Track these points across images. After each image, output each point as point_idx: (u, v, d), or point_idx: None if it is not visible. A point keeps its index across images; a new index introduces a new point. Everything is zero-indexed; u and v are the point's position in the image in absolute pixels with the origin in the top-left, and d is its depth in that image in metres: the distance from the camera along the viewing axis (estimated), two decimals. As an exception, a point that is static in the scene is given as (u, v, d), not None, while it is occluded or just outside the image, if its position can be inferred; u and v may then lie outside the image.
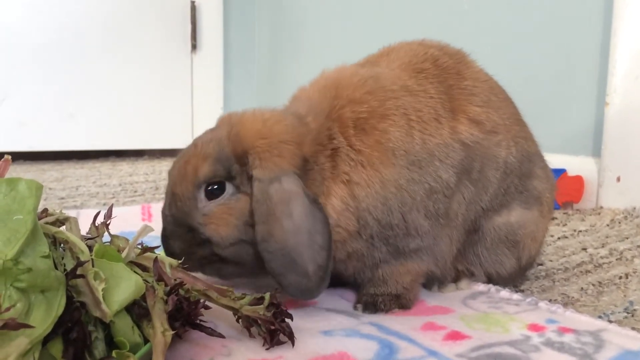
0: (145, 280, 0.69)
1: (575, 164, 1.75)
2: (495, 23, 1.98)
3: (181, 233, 0.84)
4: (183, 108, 2.96)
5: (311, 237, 0.79)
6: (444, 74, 0.93)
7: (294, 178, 0.81)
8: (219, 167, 0.82)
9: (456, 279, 0.99)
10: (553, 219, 1.59)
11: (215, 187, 0.82)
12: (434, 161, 0.87)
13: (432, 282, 0.98)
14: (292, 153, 0.82)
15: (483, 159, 0.92)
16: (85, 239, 0.74)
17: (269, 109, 0.88)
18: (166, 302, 0.68)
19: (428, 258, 0.90)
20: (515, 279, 1.03)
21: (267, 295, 0.75)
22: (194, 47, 2.93)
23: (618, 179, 1.68)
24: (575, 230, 1.46)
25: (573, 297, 1.00)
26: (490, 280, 1.01)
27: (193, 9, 2.90)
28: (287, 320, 0.74)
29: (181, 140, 2.93)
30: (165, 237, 0.86)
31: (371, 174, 0.84)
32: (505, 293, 0.96)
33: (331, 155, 0.85)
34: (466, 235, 0.95)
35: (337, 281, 0.99)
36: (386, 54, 0.99)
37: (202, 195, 0.83)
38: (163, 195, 1.87)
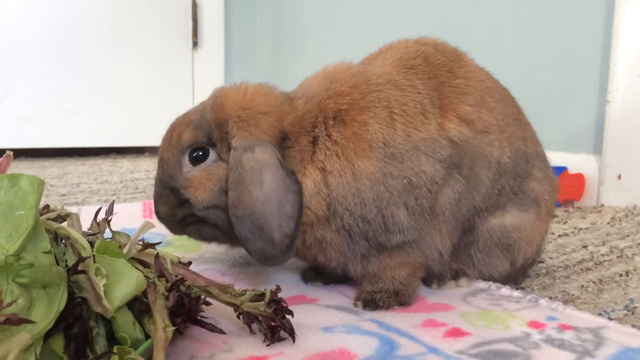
0: (147, 277, 0.69)
1: (576, 162, 1.75)
2: (496, 21, 1.98)
3: (166, 195, 0.89)
4: (184, 105, 2.92)
5: (280, 207, 0.81)
6: (434, 71, 0.93)
7: (270, 148, 0.83)
8: (199, 133, 0.86)
9: (456, 277, 0.99)
10: (553, 216, 1.59)
11: (200, 153, 0.86)
12: (418, 155, 0.86)
13: (432, 279, 0.99)
14: (270, 124, 0.84)
15: (473, 158, 0.91)
16: (86, 235, 0.74)
17: (259, 84, 0.92)
18: (167, 298, 0.68)
19: (415, 252, 0.90)
20: (510, 281, 1.03)
21: (267, 292, 0.75)
22: (195, 44, 2.93)
23: (619, 177, 1.68)
24: (576, 228, 1.46)
25: (573, 295, 1.00)
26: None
27: (194, 6, 2.90)
28: (287, 316, 0.75)
29: (182, 137, 2.96)
30: (154, 200, 0.91)
31: (344, 164, 0.84)
32: (505, 290, 0.96)
33: (312, 142, 0.86)
34: (462, 231, 0.94)
35: (338, 278, 0.99)
36: (383, 52, 1.00)
37: (186, 160, 0.87)
38: (164, 192, 1.87)
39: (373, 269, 0.90)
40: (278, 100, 0.87)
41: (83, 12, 2.72)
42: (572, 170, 1.73)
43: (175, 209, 0.89)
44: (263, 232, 0.81)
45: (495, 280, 1.00)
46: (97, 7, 2.74)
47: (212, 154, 0.86)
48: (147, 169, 2.43)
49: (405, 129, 0.86)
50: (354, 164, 0.84)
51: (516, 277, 1.04)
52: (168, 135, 0.90)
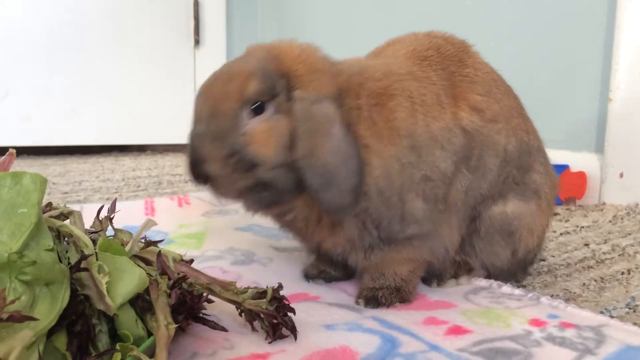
0: (149, 274, 0.69)
1: (578, 160, 1.75)
2: (498, 18, 1.98)
3: (221, 156, 0.80)
4: (186, 103, 2.95)
5: (346, 160, 0.81)
6: (446, 61, 0.95)
7: (333, 103, 0.83)
8: (264, 84, 0.81)
9: (456, 275, 0.99)
10: (555, 214, 1.59)
11: (258, 105, 0.81)
12: (434, 149, 0.88)
13: (431, 278, 0.99)
14: (329, 81, 0.84)
15: (482, 146, 0.93)
16: (89, 232, 0.75)
17: (306, 43, 0.90)
18: (169, 295, 0.68)
19: (423, 247, 0.90)
20: (513, 273, 1.03)
21: (269, 290, 0.75)
22: (197, 42, 2.93)
23: (621, 175, 1.68)
24: (577, 226, 1.46)
25: (575, 293, 1.00)
26: (487, 273, 1.02)
27: (196, 4, 2.90)
28: (289, 314, 0.75)
29: (184, 135, 2.96)
30: (197, 161, 0.81)
31: (380, 146, 0.85)
32: (507, 288, 0.97)
33: (357, 113, 0.86)
34: (469, 222, 0.96)
35: (340, 276, 0.99)
36: (392, 44, 1.01)
37: (246, 113, 0.81)
38: (166, 190, 1.88)
39: (376, 261, 0.90)
40: (328, 61, 0.88)
41: (84, 11, 2.72)
42: (574, 168, 1.73)
43: (234, 173, 0.80)
44: (334, 183, 0.81)
45: (498, 270, 1.00)
46: (98, 5, 2.74)
47: (270, 107, 0.81)
48: (148, 167, 2.44)
49: (424, 118, 0.88)
50: (388, 148, 0.85)
51: (517, 269, 1.04)
52: (224, 87, 0.82)
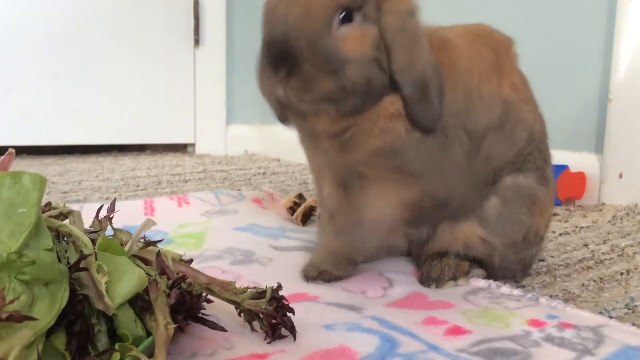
0: (148, 274, 0.69)
1: (577, 160, 1.75)
2: (497, 19, 1.97)
3: (315, 55, 0.79)
4: (185, 103, 2.96)
5: (434, 74, 0.86)
6: (495, 44, 1.01)
7: (420, 18, 0.87)
8: None
9: (454, 277, 0.99)
10: (555, 214, 1.60)
11: (347, 13, 0.82)
12: (480, 107, 0.94)
13: (429, 279, 0.99)
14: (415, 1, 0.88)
15: (516, 119, 0.99)
16: (88, 232, 0.75)
17: None
18: (169, 295, 0.69)
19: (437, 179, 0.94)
20: (513, 268, 1.03)
21: (268, 290, 0.75)
22: (196, 42, 2.93)
23: (620, 176, 1.68)
24: (577, 227, 1.46)
25: (574, 293, 1.00)
26: (486, 273, 1.03)
27: (196, 4, 2.90)
28: (288, 314, 0.75)
29: (183, 135, 2.97)
30: (284, 57, 0.80)
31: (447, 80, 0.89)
32: (506, 289, 0.97)
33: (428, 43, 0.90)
34: (484, 184, 0.98)
35: (339, 275, 1.00)
36: (442, 27, 1.04)
37: (335, 20, 0.81)
38: (165, 190, 1.88)
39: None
40: None
41: (84, 10, 2.72)
42: (574, 168, 1.73)
43: (320, 74, 0.80)
44: (428, 95, 0.85)
45: (509, 248, 1.01)
46: (98, 4, 2.74)
47: (358, 16, 0.83)
48: (148, 167, 2.44)
49: (478, 77, 0.94)
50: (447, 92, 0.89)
51: (519, 263, 1.04)
52: None
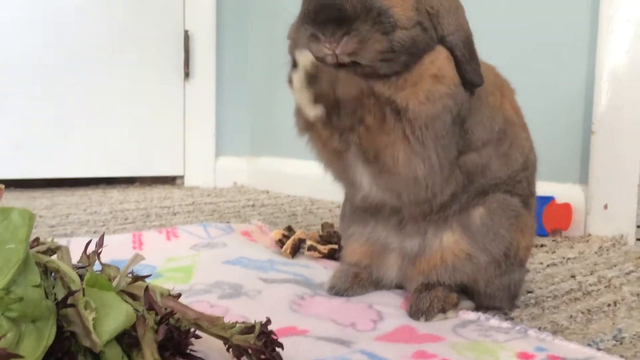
0: (136, 310, 0.69)
1: (563, 192, 1.77)
2: (484, 52, 2.02)
3: (369, 16, 0.84)
4: (175, 135, 2.97)
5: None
6: (495, 74, 1.08)
7: None
8: None
9: (443, 309, 1.00)
10: (542, 245, 1.61)
11: None
12: (484, 113, 0.98)
13: (418, 312, 0.99)
14: None
15: (513, 139, 1.03)
16: (76, 268, 0.74)
17: None
18: (156, 331, 0.68)
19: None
20: (505, 282, 1.04)
21: (257, 324, 0.75)
22: (187, 74, 2.96)
23: (605, 207, 1.70)
24: (564, 258, 1.47)
25: (562, 325, 1.00)
26: (473, 304, 1.03)
27: (187, 37, 2.93)
28: (277, 349, 0.74)
29: (172, 167, 2.98)
30: (338, 17, 0.83)
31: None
32: (494, 321, 0.97)
33: None
34: (475, 195, 1.01)
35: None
36: None
37: None
38: (154, 223, 1.88)
39: None
40: None
41: (74, 43, 2.74)
42: (559, 199, 1.76)
43: (374, 34, 0.85)
44: (474, 52, 0.94)
45: (491, 263, 1.01)
46: (90, 37, 2.76)
47: None
48: (137, 199, 2.43)
49: (485, 88, 0.98)
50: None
51: (506, 282, 1.04)
52: None
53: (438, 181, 0.95)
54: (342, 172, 1.00)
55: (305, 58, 0.84)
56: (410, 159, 0.91)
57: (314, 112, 0.88)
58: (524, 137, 1.07)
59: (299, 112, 0.97)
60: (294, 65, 0.86)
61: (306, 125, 0.97)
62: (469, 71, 0.92)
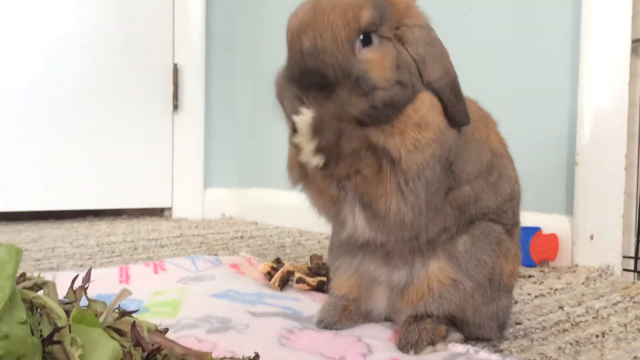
0: (123, 346, 0.68)
1: (549, 222, 1.79)
2: (469, 86, 2.06)
3: (345, 81, 0.86)
4: (163, 167, 2.97)
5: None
6: (478, 107, 1.10)
7: None
8: (376, 14, 0.89)
9: (432, 342, 0.99)
10: (530, 276, 1.61)
11: (367, 35, 0.89)
12: (471, 149, 1.00)
13: (407, 345, 0.99)
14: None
15: (501, 170, 1.06)
16: (62, 303, 0.74)
17: None
18: (143, 368, 0.67)
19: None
20: (492, 311, 1.04)
21: (245, 360, 0.74)
22: (175, 107, 2.97)
23: (591, 237, 1.72)
24: (551, 289, 1.48)
25: (551, 357, 1.00)
26: (466, 305, 1.02)
27: (176, 70, 2.96)
28: (266, 384, 0.74)
29: (160, 199, 2.96)
30: (315, 84, 0.86)
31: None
32: (484, 354, 0.96)
33: None
34: (464, 224, 1.02)
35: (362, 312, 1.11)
36: None
37: (357, 43, 0.88)
38: (141, 256, 1.86)
39: None
40: None
41: (63, 74, 2.75)
42: (546, 230, 1.77)
43: (353, 98, 0.86)
44: (460, 95, 0.95)
45: (474, 287, 1.01)
46: (78, 70, 2.78)
47: (375, 37, 0.89)
48: (124, 232, 2.41)
49: (471, 124, 0.99)
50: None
51: (494, 310, 1.04)
52: (339, 16, 0.87)
53: (422, 222, 0.97)
54: (335, 215, 1.01)
55: (306, 118, 0.87)
56: (401, 207, 0.93)
57: (315, 161, 0.91)
58: (511, 168, 1.10)
59: (292, 164, 0.99)
60: (294, 129, 0.90)
61: (300, 176, 1.00)
62: (456, 113, 0.94)
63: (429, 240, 1.01)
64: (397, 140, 0.91)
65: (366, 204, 0.95)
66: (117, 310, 0.77)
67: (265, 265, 1.48)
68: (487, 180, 1.03)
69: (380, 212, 0.94)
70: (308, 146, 0.89)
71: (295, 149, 0.92)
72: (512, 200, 1.08)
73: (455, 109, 0.94)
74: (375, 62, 0.88)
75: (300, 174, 0.99)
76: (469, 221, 1.03)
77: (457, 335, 1.04)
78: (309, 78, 0.86)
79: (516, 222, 1.11)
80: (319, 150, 0.89)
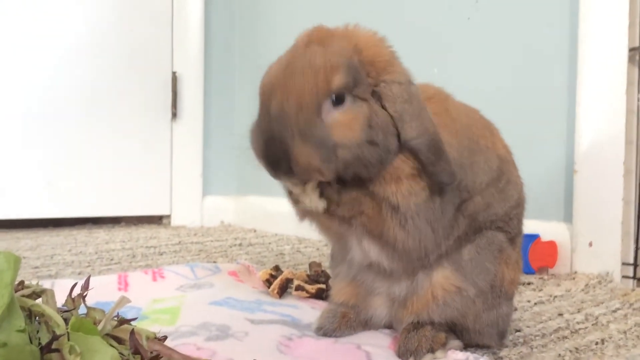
0: (121, 354, 0.68)
1: (548, 230, 1.79)
2: (464, 96, 2.06)
3: (310, 149, 0.84)
4: (161, 175, 2.98)
5: (439, 134, 0.91)
6: (484, 118, 1.11)
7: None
8: (349, 77, 0.86)
9: (432, 349, 0.99)
10: (529, 283, 1.61)
11: (338, 97, 0.86)
12: (480, 160, 1.00)
13: (407, 353, 0.98)
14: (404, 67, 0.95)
15: (508, 176, 1.06)
16: (61, 311, 0.73)
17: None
18: (142, 376, 0.67)
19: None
20: (493, 318, 1.04)
21: (244, 367, 0.74)
22: (174, 115, 2.98)
23: (590, 244, 1.72)
24: (551, 296, 1.47)
25: (551, 364, 1.00)
26: (468, 311, 1.02)
27: (174, 79, 2.97)
28: (265, 392, 0.73)
29: (159, 206, 2.96)
30: (280, 152, 0.85)
31: (444, 134, 0.94)
32: (483, 361, 0.96)
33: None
34: (470, 232, 1.02)
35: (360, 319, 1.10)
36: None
37: (327, 105, 0.86)
38: (140, 263, 1.86)
39: None
40: None
41: (61, 83, 2.76)
42: (545, 237, 1.77)
43: (323, 163, 0.85)
44: (441, 154, 0.90)
45: (478, 295, 1.01)
46: (76, 77, 2.78)
47: (349, 97, 0.87)
48: (122, 240, 2.41)
49: (476, 132, 1.00)
50: (448, 135, 0.95)
51: (494, 318, 1.04)
52: (308, 79, 0.85)
53: (431, 245, 0.97)
54: (345, 245, 1.03)
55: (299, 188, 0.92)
56: (407, 240, 0.94)
57: (319, 207, 0.93)
58: (517, 175, 1.10)
59: (295, 202, 0.99)
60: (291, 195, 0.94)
61: (304, 213, 1.01)
62: (437, 173, 0.91)
63: (439, 255, 1.01)
64: (393, 188, 0.92)
65: (376, 236, 0.96)
66: (115, 318, 0.77)
67: (264, 273, 1.47)
68: (496, 187, 1.04)
69: (390, 242, 0.95)
70: (308, 199, 0.92)
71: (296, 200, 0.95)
72: (518, 207, 1.09)
73: (436, 168, 0.90)
74: (344, 123, 0.86)
75: (304, 210, 1.00)
76: (477, 229, 1.03)
77: (456, 342, 1.04)
78: (269, 165, 0.87)
79: (520, 231, 1.11)
80: (320, 196, 0.91)
